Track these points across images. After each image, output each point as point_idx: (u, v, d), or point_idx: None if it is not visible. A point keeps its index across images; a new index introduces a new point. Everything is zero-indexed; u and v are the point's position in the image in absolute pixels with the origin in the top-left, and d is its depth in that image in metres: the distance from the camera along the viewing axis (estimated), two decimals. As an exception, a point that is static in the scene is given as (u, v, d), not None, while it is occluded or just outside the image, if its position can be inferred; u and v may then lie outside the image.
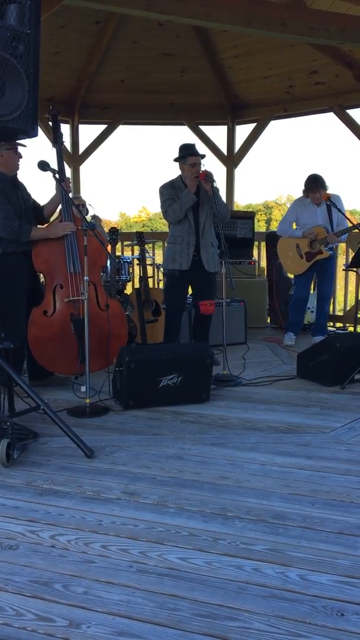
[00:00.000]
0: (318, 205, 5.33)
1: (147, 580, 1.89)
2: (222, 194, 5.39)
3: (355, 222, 4.97)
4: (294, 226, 5.54)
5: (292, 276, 5.88)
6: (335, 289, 6.75)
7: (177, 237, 4.58)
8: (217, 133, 7.81)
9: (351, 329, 6.40)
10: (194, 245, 4.55)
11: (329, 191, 5.28)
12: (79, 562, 1.99)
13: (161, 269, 5.56)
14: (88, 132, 7.80)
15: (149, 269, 6.03)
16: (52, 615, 1.71)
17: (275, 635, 1.63)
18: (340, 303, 6.88)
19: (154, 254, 7.09)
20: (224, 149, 7.70)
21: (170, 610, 1.73)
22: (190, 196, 4.45)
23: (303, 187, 5.39)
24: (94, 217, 4.56)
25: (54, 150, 4.06)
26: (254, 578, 1.90)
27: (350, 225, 5.13)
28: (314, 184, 5.27)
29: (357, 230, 4.90)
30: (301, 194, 5.45)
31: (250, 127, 7.57)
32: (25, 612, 1.73)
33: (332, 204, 5.12)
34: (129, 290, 5.96)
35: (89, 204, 4.42)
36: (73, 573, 1.93)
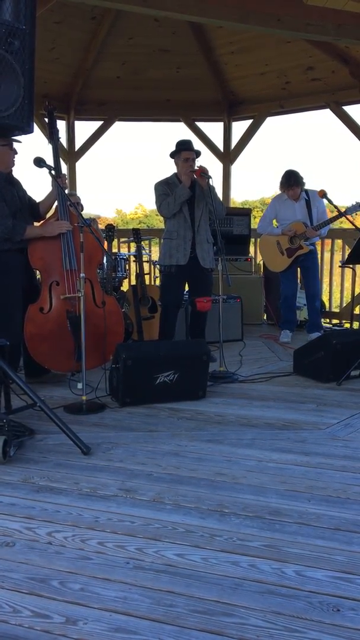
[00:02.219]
0: (296, 200, 5.39)
1: (143, 576, 1.89)
2: (219, 190, 5.38)
3: (349, 217, 4.93)
4: (275, 223, 5.60)
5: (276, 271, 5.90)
6: (331, 286, 6.77)
7: (172, 232, 4.58)
8: (214, 129, 7.84)
9: (347, 325, 6.42)
10: (190, 240, 4.55)
11: (314, 186, 5.34)
12: (75, 558, 1.99)
13: (157, 265, 5.54)
14: (84, 129, 7.81)
15: (146, 266, 6.03)
16: (48, 612, 1.72)
17: (272, 631, 1.64)
18: (336, 300, 6.89)
19: (150, 251, 7.08)
20: (220, 145, 7.70)
21: (166, 607, 1.74)
22: (184, 190, 4.44)
23: (280, 184, 5.45)
24: (93, 220, 4.55)
25: (50, 146, 4.05)
26: (251, 574, 1.90)
27: (330, 217, 5.19)
28: (289, 180, 5.34)
29: (351, 226, 4.87)
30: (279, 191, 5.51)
31: (247, 123, 7.58)
32: (22, 609, 1.73)
33: (328, 200, 5.09)
34: (125, 287, 5.97)
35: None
36: (70, 570, 1.93)
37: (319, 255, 6.12)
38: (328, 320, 6.65)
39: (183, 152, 4.54)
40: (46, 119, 4.10)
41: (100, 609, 1.73)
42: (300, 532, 2.16)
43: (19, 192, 3.91)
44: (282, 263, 5.51)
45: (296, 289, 5.69)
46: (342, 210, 4.92)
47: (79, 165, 7.71)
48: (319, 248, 6.14)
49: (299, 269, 5.67)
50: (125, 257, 5.69)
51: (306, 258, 5.42)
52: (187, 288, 4.89)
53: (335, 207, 5.08)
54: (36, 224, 4.05)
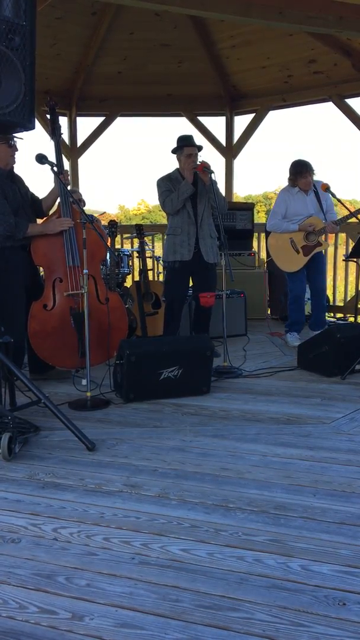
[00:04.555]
0: (307, 192, 5.07)
1: (149, 572, 1.89)
2: (222, 185, 5.36)
3: (352, 209, 4.87)
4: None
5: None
6: (335, 280, 6.75)
7: (176, 228, 4.57)
8: (216, 124, 7.78)
9: (351, 319, 6.40)
10: (194, 236, 4.54)
11: (320, 179, 5.12)
12: (81, 554, 2.00)
13: (161, 261, 5.53)
14: (86, 125, 7.78)
15: (149, 262, 6.02)
16: (55, 607, 1.72)
17: (278, 626, 1.64)
18: (340, 294, 6.87)
19: (153, 247, 7.08)
20: (222, 140, 7.67)
21: (172, 602, 1.74)
22: (188, 186, 4.44)
23: (289, 175, 5.09)
24: (96, 219, 4.54)
25: (52, 142, 4.04)
26: (256, 569, 1.91)
27: (348, 212, 4.98)
28: (303, 167, 4.98)
29: (355, 220, 4.82)
30: (287, 184, 5.16)
31: (249, 117, 7.55)
32: (28, 605, 1.73)
33: (331, 194, 5.00)
34: (128, 283, 5.96)
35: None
36: (75, 566, 1.93)
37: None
38: (332, 314, 6.63)
39: (185, 147, 4.53)
40: (48, 115, 4.10)
41: (106, 605, 1.73)
42: (306, 527, 2.16)
43: (21, 189, 3.91)
44: (297, 262, 5.09)
45: (305, 287, 5.37)
46: (345, 203, 4.83)
47: (81, 161, 7.71)
48: (330, 242, 5.95)
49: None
50: (128, 253, 5.69)
51: (315, 254, 5.11)
52: (191, 283, 4.89)
53: (339, 200, 5.03)
54: (39, 220, 4.05)
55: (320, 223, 5.02)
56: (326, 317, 5.73)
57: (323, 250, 5.29)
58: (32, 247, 3.86)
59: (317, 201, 5.08)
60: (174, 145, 4.63)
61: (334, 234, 6.27)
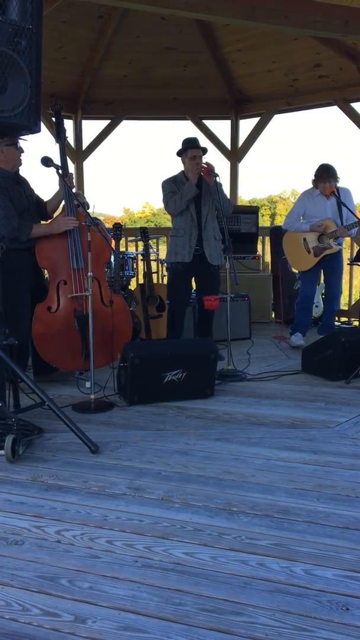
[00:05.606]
0: (328, 196, 5.10)
1: (152, 575, 1.89)
2: (226, 188, 5.35)
3: (358, 214, 4.89)
4: (301, 219, 5.38)
5: (297, 271, 5.79)
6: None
7: (179, 230, 4.58)
8: (221, 127, 7.79)
9: (356, 323, 6.39)
10: (196, 238, 4.54)
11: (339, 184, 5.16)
12: (84, 557, 2.00)
13: (165, 264, 5.54)
14: (91, 128, 7.80)
15: (153, 265, 6.03)
16: (57, 610, 1.72)
17: (281, 630, 1.63)
18: (345, 297, 6.86)
19: (157, 249, 7.08)
20: (227, 143, 7.67)
21: (175, 605, 1.74)
22: (191, 188, 4.44)
23: (313, 177, 5.17)
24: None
25: (57, 145, 4.06)
26: (259, 573, 1.90)
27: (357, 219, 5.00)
28: (325, 172, 5.04)
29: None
30: (310, 186, 5.24)
31: (254, 121, 7.56)
32: (31, 607, 1.73)
33: (336, 197, 5.02)
34: (133, 285, 5.97)
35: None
36: (78, 568, 1.93)
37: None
38: (337, 318, 6.61)
39: (190, 149, 4.54)
40: (53, 118, 4.11)
41: (109, 608, 1.73)
42: (309, 531, 2.15)
43: (26, 191, 3.92)
44: (307, 262, 5.20)
45: (315, 289, 5.46)
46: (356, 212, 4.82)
47: (87, 164, 7.73)
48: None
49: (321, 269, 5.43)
50: (132, 256, 5.69)
51: (332, 258, 5.17)
52: (194, 287, 4.89)
53: (343, 204, 5.04)
54: (43, 222, 4.06)
55: (332, 226, 5.06)
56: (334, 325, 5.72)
57: (345, 258, 5.38)
58: (37, 249, 3.87)
59: (338, 206, 5.11)
60: (179, 148, 4.64)
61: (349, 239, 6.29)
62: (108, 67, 7.07)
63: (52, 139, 4.23)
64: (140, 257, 5.82)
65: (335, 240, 5.09)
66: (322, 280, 5.91)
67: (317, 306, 5.95)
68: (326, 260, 5.20)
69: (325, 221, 5.08)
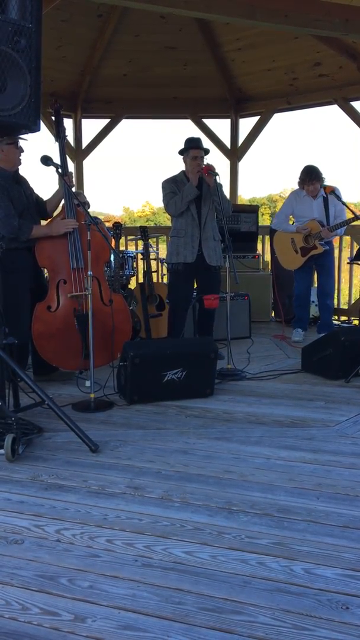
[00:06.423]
0: (314, 197, 5.25)
1: (152, 574, 1.89)
2: (226, 187, 5.37)
3: (358, 213, 4.92)
4: (291, 219, 5.49)
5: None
6: (340, 283, 6.74)
7: (180, 230, 4.57)
8: (221, 126, 7.79)
9: (356, 322, 6.39)
10: (197, 238, 4.54)
11: (327, 183, 5.23)
12: (84, 556, 2.00)
13: (165, 264, 5.54)
14: (91, 127, 7.78)
15: (153, 264, 6.03)
16: (57, 609, 1.72)
17: (281, 629, 1.63)
18: (345, 296, 6.86)
19: (157, 249, 7.07)
20: (227, 142, 7.68)
21: (175, 604, 1.74)
22: (192, 189, 4.44)
23: (299, 178, 5.31)
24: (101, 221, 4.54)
25: (57, 144, 4.05)
26: (259, 572, 1.90)
27: (349, 217, 5.07)
28: (309, 175, 5.19)
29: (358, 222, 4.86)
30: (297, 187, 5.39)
31: (254, 120, 7.57)
32: (31, 607, 1.73)
33: (336, 197, 5.06)
34: (132, 285, 5.96)
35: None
36: (78, 567, 1.93)
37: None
38: (337, 317, 6.61)
39: (191, 150, 4.53)
40: (53, 117, 4.10)
41: (109, 607, 1.73)
42: (309, 530, 2.15)
43: (26, 191, 3.92)
44: (295, 261, 5.41)
45: (309, 286, 5.59)
46: (351, 207, 4.87)
47: (86, 163, 7.72)
48: (335, 244, 6.02)
49: (313, 267, 5.54)
50: (132, 255, 5.69)
51: (321, 256, 5.31)
52: (195, 285, 4.88)
53: (344, 204, 5.06)
54: (43, 222, 4.06)
55: (317, 227, 5.19)
56: (332, 322, 5.77)
57: (334, 254, 5.55)
58: (37, 248, 3.87)
59: (325, 207, 5.21)
60: (179, 147, 4.64)
61: (338, 238, 6.34)
62: (108, 66, 7.06)
63: (51, 138, 4.24)
64: (140, 256, 5.82)
65: (321, 240, 5.22)
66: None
67: (317, 305, 5.95)
68: (315, 259, 5.35)
69: (310, 223, 5.23)
